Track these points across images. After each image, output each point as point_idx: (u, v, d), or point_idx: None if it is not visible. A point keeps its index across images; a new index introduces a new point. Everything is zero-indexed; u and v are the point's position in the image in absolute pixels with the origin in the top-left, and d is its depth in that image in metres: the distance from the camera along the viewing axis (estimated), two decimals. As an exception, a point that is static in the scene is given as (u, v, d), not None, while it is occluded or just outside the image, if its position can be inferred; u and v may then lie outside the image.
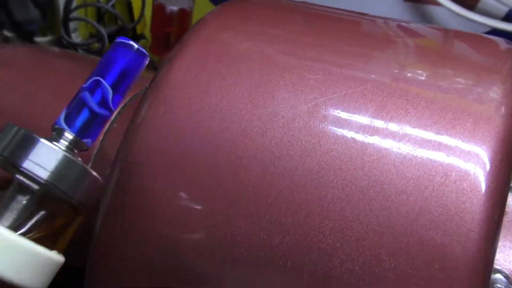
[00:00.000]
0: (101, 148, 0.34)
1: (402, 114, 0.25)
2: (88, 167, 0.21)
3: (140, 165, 0.26)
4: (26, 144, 0.20)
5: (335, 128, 0.25)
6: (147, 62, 0.24)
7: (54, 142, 0.21)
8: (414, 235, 0.23)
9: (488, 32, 0.55)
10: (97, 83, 0.23)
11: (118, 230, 0.25)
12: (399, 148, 0.24)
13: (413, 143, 0.24)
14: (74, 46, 0.61)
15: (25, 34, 0.71)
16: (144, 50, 0.24)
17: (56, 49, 0.57)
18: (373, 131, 0.24)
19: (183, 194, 0.25)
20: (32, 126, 0.36)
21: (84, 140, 0.23)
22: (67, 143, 0.21)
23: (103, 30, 0.58)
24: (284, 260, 0.24)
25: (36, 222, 0.20)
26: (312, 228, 0.24)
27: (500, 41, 0.31)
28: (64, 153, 0.20)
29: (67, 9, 0.56)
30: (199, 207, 0.25)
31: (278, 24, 0.31)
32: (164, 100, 0.27)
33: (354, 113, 0.25)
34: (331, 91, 0.26)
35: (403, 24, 0.33)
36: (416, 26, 0.32)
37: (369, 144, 0.24)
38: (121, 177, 0.26)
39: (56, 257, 0.21)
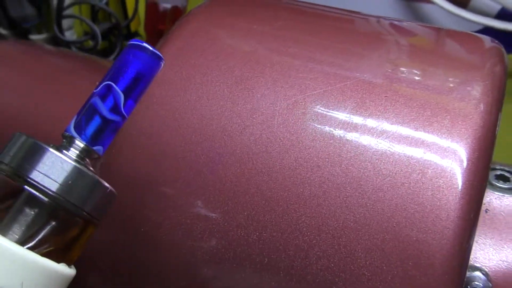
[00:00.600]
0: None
1: (381, 111, 0.25)
2: (99, 178, 0.20)
3: (122, 160, 0.26)
4: (34, 154, 0.19)
5: (314, 125, 0.25)
6: (162, 65, 0.22)
7: (64, 151, 0.20)
8: (390, 232, 0.23)
9: (481, 30, 0.55)
10: (109, 88, 0.21)
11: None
12: (377, 145, 0.24)
13: (390, 140, 0.24)
14: (67, 44, 0.61)
15: (21, 32, 0.71)
16: (159, 53, 0.22)
17: (50, 47, 0.57)
18: (351, 128, 0.24)
19: (162, 190, 0.25)
20: (26, 123, 0.37)
21: (96, 148, 0.21)
22: (77, 152, 0.20)
23: (96, 28, 0.58)
24: (261, 257, 0.24)
25: (46, 235, 0.19)
26: (289, 224, 0.24)
27: (485, 39, 0.31)
28: (74, 164, 0.19)
29: (60, 6, 0.57)
30: (178, 203, 0.25)
31: (264, 21, 0.31)
32: (146, 96, 0.27)
33: (333, 110, 0.25)
34: (310, 88, 0.26)
35: (388, 21, 0.33)
36: (401, 23, 0.32)
37: (347, 141, 0.24)
38: (104, 172, 0.26)
39: (65, 270, 0.20)
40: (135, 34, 0.67)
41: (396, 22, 0.32)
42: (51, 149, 0.19)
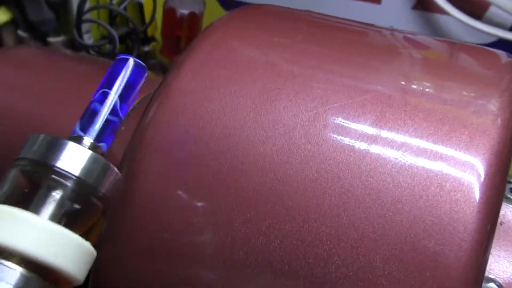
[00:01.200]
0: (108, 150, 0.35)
1: (400, 124, 0.25)
2: (111, 164, 0.24)
3: (146, 167, 0.27)
4: (56, 147, 0.22)
5: (334, 137, 0.26)
6: (146, 74, 0.27)
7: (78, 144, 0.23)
8: (408, 243, 0.23)
9: (496, 42, 0.55)
10: (105, 94, 0.26)
11: (123, 230, 0.26)
12: (396, 158, 0.25)
13: (409, 153, 0.25)
14: (86, 48, 0.62)
15: (39, 35, 0.72)
16: (142, 63, 0.27)
17: (68, 52, 0.58)
18: (371, 141, 0.25)
19: (186, 198, 0.26)
20: (42, 126, 0.37)
21: (100, 145, 0.25)
22: (88, 144, 0.24)
23: (114, 32, 0.59)
24: (281, 264, 0.24)
25: (70, 217, 0.21)
26: (309, 233, 0.24)
27: (501, 54, 0.31)
28: (91, 151, 0.23)
29: (80, 11, 0.58)
30: (201, 211, 0.26)
31: (284, 33, 0.31)
32: (170, 106, 0.28)
33: (353, 122, 0.26)
34: (332, 100, 0.27)
35: (406, 35, 0.33)
36: (419, 37, 0.33)
37: (367, 153, 0.25)
38: (127, 177, 0.27)
39: (91, 248, 0.22)
40: (152, 39, 0.68)
41: (412, 36, 0.33)
42: (71, 141, 0.23)
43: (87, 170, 0.22)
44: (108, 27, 0.59)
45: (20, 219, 0.20)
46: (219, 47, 0.30)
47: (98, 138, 0.25)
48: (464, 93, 0.27)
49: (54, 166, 0.22)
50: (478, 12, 0.54)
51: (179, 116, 0.27)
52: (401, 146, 0.25)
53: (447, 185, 0.24)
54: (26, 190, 0.22)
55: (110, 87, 0.25)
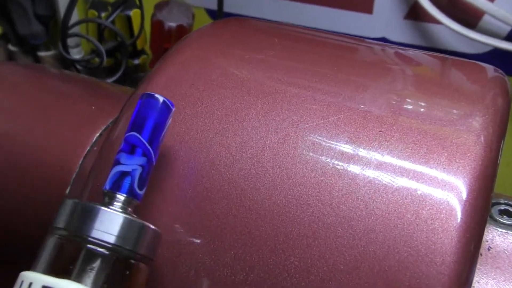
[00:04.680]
0: (80, 171, 0.33)
1: (375, 146, 0.24)
2: (145, 222, 0.23)
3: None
4: (89, 215, 0.22)
5: (304, 160, 0.24)
6: (173, 112, 0.25)
7: (110, 207, 0.22)
8: (381, 277, 0.21)
9: (491, 51, 0.53)
10: (133, 142, 0.23)
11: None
12: (370, 183, 0.23)
13: (384, 178, 0.23)
14: (72, 62, 0.61)
15: (29, 49, 0.72)
16: (169, 101, 0.24)
17: (53, 70, 0.57)
18: (344, 164, 0.23)
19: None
20: (21, 148, 0.36)
21: (134, 197, 0.23)
22: (120, 204, 0.22)
23: (101, 46, 0.58)
24: (247, 299, 0.23)
25: (112, 283, 0.21)
26: (277, 265, 0.23)
27: (488, 69, 0.30)
28: (123, 215, 0.22)
29: (65, 25, 0.56)
30: (164, 238, 0.24)
31: (257, 49, 0.30)
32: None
33: (325, 144, 0.24)
34: (303, 120, 0.25)
35: (388, 49, 0.32)
36: (401, 51, 0.31)
37: (339, 178, 0.23)
38: (92, 196, 0.26)
39: None
40: (142, 52, 0.67)
41: (396, 50, 0.31)
42: (102, 207, 0.22)
43: (123, 235, 0.21)
44: (94, 41, 0.58)
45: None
46: (190, 63, 0.28)
47: (131, 191, 0.23)
48: (446, 111, 0.25)
49: (89, 236, 0.21)
50: (471, 21, 0.52)
51: (143, 138, 0.26)
52: (375, 170, 0.23)
53: (424, 212, 0.22)
54: (66, 258, 0.22)
55: (139, 131, 0.23)
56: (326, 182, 0.23)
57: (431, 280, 0.21)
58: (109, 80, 0.61)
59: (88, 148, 0.34)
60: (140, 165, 0.23)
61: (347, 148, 0.24)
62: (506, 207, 0.29)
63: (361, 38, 0.57)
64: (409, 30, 0.56)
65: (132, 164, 0.23)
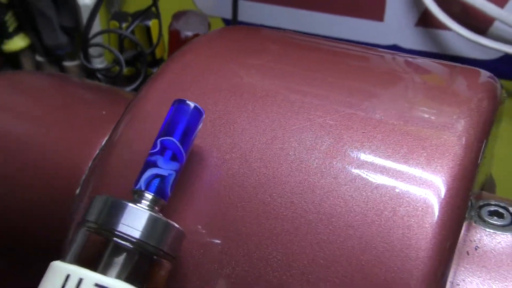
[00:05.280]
0: (89, 173, 0.35)
1: (357, 147, 0.25)
2: (170, 221, 0.24)
3: (108, 186, 0.27)
4: (117, 210, 0.23)
5: (290, 160, 0.25)
6: (203, 117, 0.26)
7: (137, 204, 0.23)
8: (359, 271, 0.22)
9: (502, 57, 0.54)
10: (166, 141, 0.24)
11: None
12: (351, 181, 0.24)
13: (364, 177, 0.24)
14: (93, 71, 0.63)
15: (55, 59, 0.75)
16: (199, 107, 0.25)
17: (74, 78, 0.59)
18: (327, 164, 0.24)
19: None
20: (45, 154, 0.38)
21: (161, 196, 0.24)
22: (148, 203, 0.24)
23: (120, 56, 0.60)
24: (232, 291, 0.24)
25: (136, 276, 0.22)
26: (260, 259, 0.24)
27: (483, 74, 0.30)
28: (149, 212, 0.23)
29: (86, 36, 0.59)
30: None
31: (253, 55, 0.31)
32: (133, 128, 0.28)
33: (310, 145, 0.25)
34: (290, 122, 0.26)
35: (383, 54, 0.33)
36: (396, 56, 0.32)
37: (322, 177, 0.24)
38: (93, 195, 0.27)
39: None
40: (161, 61, 0.69)
41: (390, 55, 0.32)
42: (129, 204, 0.23)
43: (147, 232, 0.22)
44: (114, 50, 0.60)
45: (88, 279, 0.21)
46: (188, 69, 0.30)
47: (159, 190, 0.24)
48: (430, 112, 0.26)
49: (115, 230, 0.22)
50: (482, 28, 0.53)
51: (140, 138, 0.27)
52: (357, 169, 0.24)
53: (401, 209, 0.23)
54: (94, 251, 0.23)
55: (171, 134, 0.24)
56: (310, 181, 0.24)
57: (405, 274, 0.22)
58: (129, 88, 0.63)
59: (97, 151, 0.36)
60: (175, 170, 0.24)
61: (330, 148, 0.25)
62: (496, 208, 0.29)
63: (372, 45, 0.58)
64: (420, 37, 0.56)
65: (168, 169, 0.24)
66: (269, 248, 0.24)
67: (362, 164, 0.24)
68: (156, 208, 0.24)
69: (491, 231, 0.28)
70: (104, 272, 0.22)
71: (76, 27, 0.70)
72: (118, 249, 0.22)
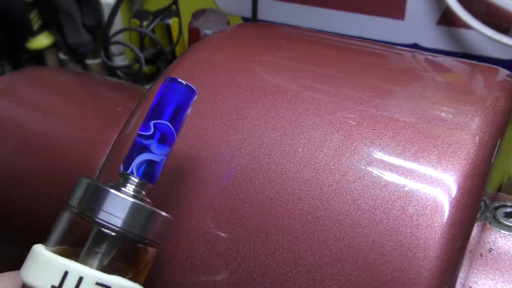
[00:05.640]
0: (102, 168, 0.35)
1: (367, 144, 0.24)
2: (156, 208, 0.23)
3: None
4: (98, 197, 0.22)
5: (298, 157, 0.25)
6: (195, 96, 0.24)
7: (122, 189, 0.23)
8: (365, 269, 0.22)
9: (525, 57, 0.52)
10: (154, 122, 0.23)
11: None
12: (359, 179, 0.23)
13: (373, 174, 0.23)
14: (113, 69, 0.64)
15: (78, 57, 0.76)
16: (191, 85, 0.24)
17: (95, 76, 0.60)
18: (335, 161, 0.24)
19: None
20: (70, 149, 0.39)
21: (148, 180, 0.23)
22: (134, 187, 0.23)
23: (140, 53, 0.61)
24: (238, 287, 0.24)
25: (119, 262, 0.22)
26: (267, 256, 0.24)
27: (501, 72, 0.30)
28: (133, 200, 0.22)
29: (106, 34, 0.60)
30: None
31: (269, 51, 0.31)
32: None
33: (319, 142, 0.25)
34: (300, 119, 0.26)
35: (399, 51, 0.32)
36: (413, 54, 0.32)
37: (330, 174, 0.24)
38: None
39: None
40: (181, 59, 0.69)
41: (407, 53, 0.32)
42: (111, 190, 0.22)
43: (130, 220, 0.22)
44: (133, 47, 0.61)
45: (90, 278, 0.21)
46: (201, 64, 0.30)
47: (146, 173, 0.23)
48: (444, 110, 0.25)
49: (96, 217, 0.22)
50: (505, 26, 0.52)
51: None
52: (366, 167, 0.24)
53: (410, 208, 0.22)
54: (77, 235, 0.22)
55: (159, 114, 0.23)
56: (318, 178, 0.24)
57: (413, 273, 0.21)
58: (149, 86, 0.63)
59: (111, 146, 0.36)
60: (166, 155, 0.23)
61: (340, 145, 0.25)
62: (512, 210, 0.29)
63: (393, 44, 0.57)
64: (442, 35, 0.55)
65: (161, 155, 0.23)
66: (276, 244, 0.24)
67: (371, 162, 0.24)
68: (143, 192, 0.23)
69: (506, 233, 0.27)
70: (87, 257, 0.22)
71: (99, 26, 0.70)
72: (100, 235, 0.22)
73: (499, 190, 0.32)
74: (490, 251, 0.27)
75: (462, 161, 0.23)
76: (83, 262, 0.22)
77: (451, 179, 0.23)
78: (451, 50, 0.55)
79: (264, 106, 0.27)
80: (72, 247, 0.22)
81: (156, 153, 0.23)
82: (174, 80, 0.23)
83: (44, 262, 0.21)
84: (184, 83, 0.23)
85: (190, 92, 0.24)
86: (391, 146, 0.24)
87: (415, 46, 0.57)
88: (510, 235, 0.27)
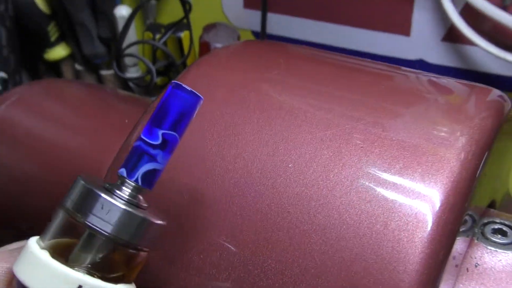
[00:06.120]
0: (107, 175, 0.37)
1: (354, 161, 0.25)
2: (149, 215, 0.23)
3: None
4: (90, 200, 0.22)
5: (289, 172, 0.26)
6: (200, 102, 0.24)
7: (116, 191, 0.23)
8: (348, 281, 0.23)
9: (529, 74, 0.53)
10: (155, 131, 0.23)
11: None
12: (346, 195, 0.25)
13: (359, 190, 0.24)
14: (125, 80, 0.65)
15: (93, 68, 0.78)
16: (195, 92, 0.23)
17: (109, 89, 0.62)
18: (324, 177, 0.25)
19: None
20: (78, 158, 0.40)
21: (145, 185, 0.23)
22: (129, 191, 0.23)
23: (151, 65, 0.62)
24: (228, 296, 0.25)
25: (108, 263, 0.23)
26: (255, 266, 0.25)
27: (493, 92, 0.30)
28: (124, 207, 0.22)
29: (119, 46, 0.61)
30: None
31: (267, 68, 0.32)
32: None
33: (309, 158, 0.26)
34: (292, 136, 0.27)
35: (394, 70, 0.33)
36: (405, 73, 0.33)
37: (318, 189, 0.25)
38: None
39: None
40: (192, 72, 0.71)
41: (400, 72, 0.33)
42: (103, 195, 0.22)
43: (120, 226, 0.22)
44: (145, 60, 0.63)
45: (56, 272, 0.22)
46: (201, 80, 0.31)
47: (144, 178, 0.23)
48: (430, 128, 0.26)
49: (86, 221, 0.22)
50: (510, 44, 0.52)
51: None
52: (352, 183, 0.25)
53: (392, 224, 0.23)
54: (71, 230, 0.23)
55: (161, 119, 0.23)
56: (306, 193, 0.25)
57: (392, 286, 0.22)
58: (159, 97, 0.65)
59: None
60: (167, 163, 0.23)
61: (328, 162, 0.26)
62: (501, 226, 0.29)
63: (398, 60, 0.58)
64: (447, 52, 0.56)
65: (164, 163, 0.23)
66: (264, 256, 0.25)
67: (357, 178, 0.25)
68: (140, 196, 0.23)
69: (493, 249, 0.28)
70: (78, 256, 0.22)
71: (113, 38, 0.72)
72: (92, 237, 0.22)
73: (491, 206, 0.33)
74: (476, 266, 0.28)
75: (445, 178, 0.24)
76: (74, 260, 0.22)
77: (433, 196, 0.23)
78: (456, 67, 0.56)
79: (259, 123, 0.28)
80: (66, 239, 0.23)
81: (160, 162, 0.23)
82: (179, 86, 0.23)
83: (44, 267, 0.22)
84: (189, 89, 0.23)
85: (196, 99, 0.23)
86: (377, 163, 0.25)
87: (421, 62, 0.57)
88: (497, 251, 0.28)
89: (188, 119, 0.23)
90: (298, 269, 0.24)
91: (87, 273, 0.22)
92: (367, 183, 0.25)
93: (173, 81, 0.24)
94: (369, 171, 0.25)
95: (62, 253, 0.23)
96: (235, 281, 0.25)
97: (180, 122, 0.23)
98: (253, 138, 0.27)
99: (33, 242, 0.23)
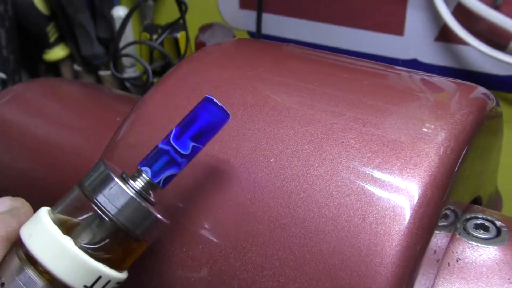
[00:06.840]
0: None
1: (335, 156, 0.26)
2: (153, 209, 0.24)
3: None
4: (104, 182, 0.24)
5: (270, 167, 0.26)
6: (228, 120, 0.25)
7: (131, 181, 0.24)
8: (326, 273, 0.23)
9: (521, 74, 0.53)
10: (181, 133, 0.24)
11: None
12: (325, 188, 0.25)
13: (338, 185, 0.25)
14: (122, 80, 0.66)
15: (91, 68, 0.78)
16: (225, 109, 0.25)
17: (104, 88, 0.62)
18: (304, 171, 0.26)
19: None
20: (71, 155, 0.41)
21: (159, 182, 0.24)
22: (143, 184, 0.24)
23: (147, 65, 0.63)
24: (209, 288, 0.25)
25: (106, 244, 0.24)
26: (236, 259, 0.25)
27: (477, 90, 0.31)
28: (132, 196, 0.24)
29: (116, 46, 0.62)
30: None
31: (253, 65, 0.33)
32: (133, 130, 0.30)
33: (290, 153, 0.26)
34: (274, 131, 0.27)
35: (380, 68, 0.33)
36: (391, 70, 0.33)
37: (299, 183, 0.25)
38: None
39: (113, 273, 0.24)
40: (189, 72, 0.71)
41: (387, 69, 0.33)
42: (116, 179, 0.24)
43: (124, 212, 0.23)
44: (141, 60, 0.63)
45: (60, 245, 0.23)
46: (188, 77, 0.32)
47: (158, 176, 0.24)
48: (411, 123, 0.27)
49: (95, 199, 0.23)
50: (502, 43, 0.52)
51: (140, 144, 0.29)
52: (331, 177, 0.25)
53: (370, 217, 0.24)
54: (78, 208, 0.24)
55: (187, 127, 0.24)
56: (287, 187, 0.25)
57: (369, 278, 0.23)
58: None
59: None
60: (176, 158, 0.24)
61: (309, 156, 0.26)
62: (483, 222, 0.30)
63: (392, 59, 0.58)
64: (440, 51, 0.56)
65: (169, 153, 0.24)
66: (245, 249, 0.25)
67: (337, 172, 0.25)
68: (150, 191, 0.24)
69: (474, 243, 0.28)
70: (79, 233, 0.23)
71: (111, 38, 0.73)
72: (97, 217, 0.23)
73: (476, 202, 0.33)
74: (457, 260, 0.28)
75: (423, 172, 0.24)
76: (77, 235, 0.23)
77: (410, 190, 0.24)
78: (449, 66, 0.56)
79: (242, 119, 0.28)
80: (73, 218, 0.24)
81: (181, 169, 0.25)
82: (213, 103, 0.25)
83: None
84: (220, 105, 0.25)
85: (226, 116, 0.25)
86: (357, 158, 0.25)
87: (414, 61, 0.58)
88: (478, 246, 0.28)
89: (215, 133, 0.25)
90: (278, 262, 0.24)
91: (83, 250, 0.23)
92: (346, 177, 0.25)
93: (207, 95, 0.25)
94: (349, 165, 0.25)
95: (68, 230, 0.23)
96: (217, 274, 0.25)
97: (207, 135, 0.25)
98: (236, 134, 0.28)
99: (45, 214, 0.24)
